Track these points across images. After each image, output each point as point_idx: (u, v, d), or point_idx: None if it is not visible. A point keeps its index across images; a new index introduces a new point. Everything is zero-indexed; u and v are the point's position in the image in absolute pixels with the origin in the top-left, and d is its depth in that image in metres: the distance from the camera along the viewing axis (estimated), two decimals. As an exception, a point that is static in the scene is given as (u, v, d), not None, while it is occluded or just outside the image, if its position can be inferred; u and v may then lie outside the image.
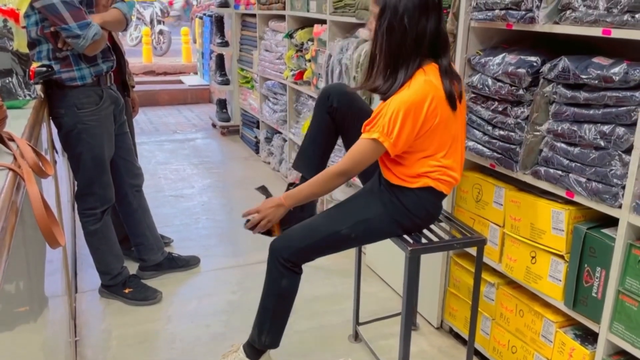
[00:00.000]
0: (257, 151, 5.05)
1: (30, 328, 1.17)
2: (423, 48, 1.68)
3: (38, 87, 1.84)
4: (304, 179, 2.00)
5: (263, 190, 2.05)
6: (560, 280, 1.75)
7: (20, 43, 1.52)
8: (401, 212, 1.81)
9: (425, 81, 1.65)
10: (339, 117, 1.99)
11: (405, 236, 1.84)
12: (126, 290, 2.57)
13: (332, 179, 1.79)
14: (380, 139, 1.66)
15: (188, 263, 2.92)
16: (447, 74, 1.70)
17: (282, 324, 1.94)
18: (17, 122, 1.40)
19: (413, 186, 1.78)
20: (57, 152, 2.33)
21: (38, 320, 1.30)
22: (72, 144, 2.30)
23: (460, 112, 1.77)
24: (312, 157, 2.05)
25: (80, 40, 2.06)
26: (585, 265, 1.66)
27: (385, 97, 1.70)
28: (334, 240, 1.84)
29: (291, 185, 2.06)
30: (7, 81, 1.51)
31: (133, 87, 3.00)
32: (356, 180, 2.46)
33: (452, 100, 1.69)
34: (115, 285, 2.57)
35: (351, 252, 2.43)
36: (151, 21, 11.06)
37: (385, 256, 2.76)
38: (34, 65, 1.89)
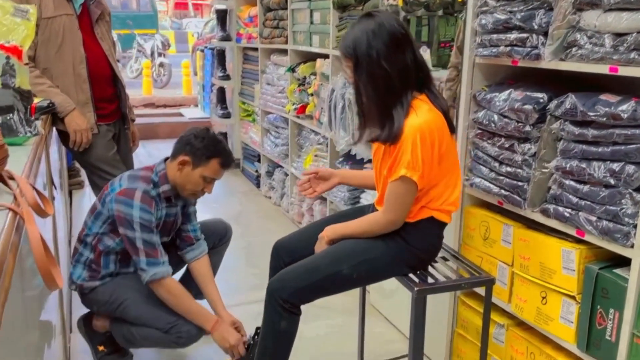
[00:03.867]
0: (258, 185, 5.07)
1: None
2: (410, 81, 1.71)
3: (39, 124, 1.87)
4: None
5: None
6: (572, 322, 1.73)
7: (22, 80, 1.54)
8: (404, 249, 1.80)
9: (429, 109, 1.70)
10: None
11: (411, 275, 1.83)
12: None
13: (379, 226, 1.79)
14: (408, 174, 1.66)
15: None
16: (438, 99, 1.76)
17: None
18: (17, 160, 1.41)
19: (413, 220, 1.79)
20: (55, 187, 2.34)
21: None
22: None
23: (453, 139, 1.82)
24: None
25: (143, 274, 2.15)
26: (598, 307, 1.65)
27: (390, 141, 1.71)
28: (334, 281, 1.82)
29: (254, 336, 2.19)
30: (8, 118, 1.52)
31: (133, 120, 3.03)
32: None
33: (449, 122, 1.74)
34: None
35: (355, 291, 2.41)
36: (152, 53, 11.24)
37: (390, 295, 2.74)
38: (36, 101, 1.92)
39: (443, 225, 1.84)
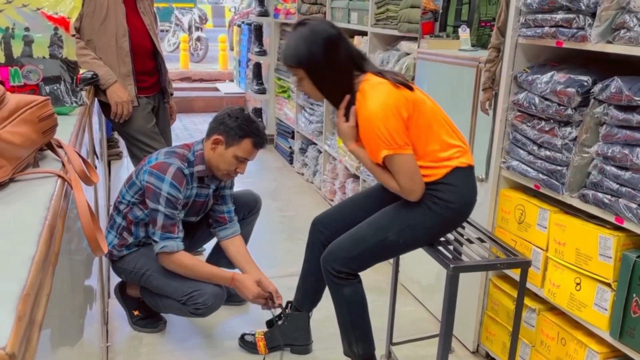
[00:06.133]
0: (291, 162, 5.09)
1: (71, 332, 1.21)
2: (351, 69, 1.83)
3: (84, 94, 1.91)
4: (295, 309, 2.26)
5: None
6: (606, 310, 1.71)
7: (69, 51, 1.57)
8: (444, 208, 1.83)
9: (371, 86, 1.77)
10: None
11: (446, 252, 1.83)
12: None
13: (388, 183, 1.82)
14: (390, 152, 1.73)
15: (232, 298, 2.61)
16: (382, 72, 1.84)
17: (366, 328, 2.00)
18: (64, 129, 1.44)
19: (441, 177, 1.81)
20: (97, 157, 2.40)
21: (78, 324, 1.34)
22: None
23: (420, 91, 1.86)
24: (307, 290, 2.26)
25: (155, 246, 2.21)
26: (634, 295, 1.62)
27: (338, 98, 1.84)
28: (382, 248, 1.88)
29: (285, 308, 2.30)
30: (55, 88, 1.56)
31: (172, 94, 3.07)
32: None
33: (402, 83, 1.79)
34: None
35: (386, 270, 2.42)
36: (189, 27, 11.29)
37: (421, 275, 2.75)
38: (80, 72, 1.96)
39: (471, 171, 1.86)
